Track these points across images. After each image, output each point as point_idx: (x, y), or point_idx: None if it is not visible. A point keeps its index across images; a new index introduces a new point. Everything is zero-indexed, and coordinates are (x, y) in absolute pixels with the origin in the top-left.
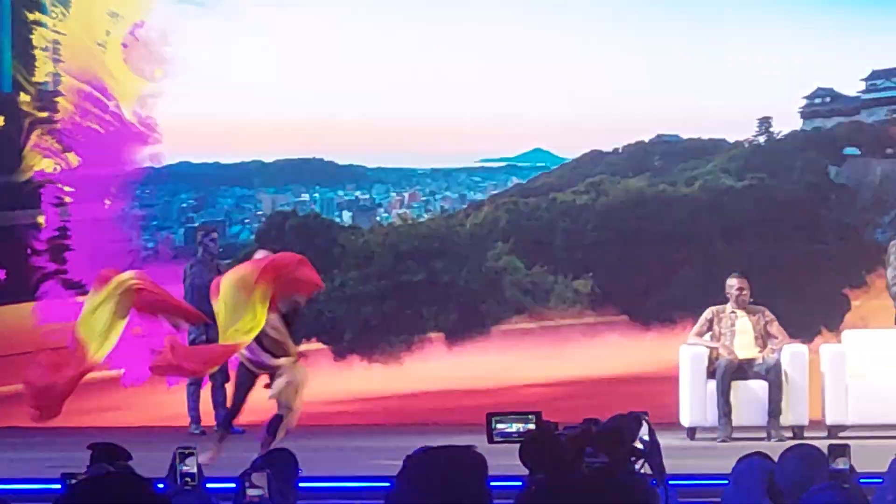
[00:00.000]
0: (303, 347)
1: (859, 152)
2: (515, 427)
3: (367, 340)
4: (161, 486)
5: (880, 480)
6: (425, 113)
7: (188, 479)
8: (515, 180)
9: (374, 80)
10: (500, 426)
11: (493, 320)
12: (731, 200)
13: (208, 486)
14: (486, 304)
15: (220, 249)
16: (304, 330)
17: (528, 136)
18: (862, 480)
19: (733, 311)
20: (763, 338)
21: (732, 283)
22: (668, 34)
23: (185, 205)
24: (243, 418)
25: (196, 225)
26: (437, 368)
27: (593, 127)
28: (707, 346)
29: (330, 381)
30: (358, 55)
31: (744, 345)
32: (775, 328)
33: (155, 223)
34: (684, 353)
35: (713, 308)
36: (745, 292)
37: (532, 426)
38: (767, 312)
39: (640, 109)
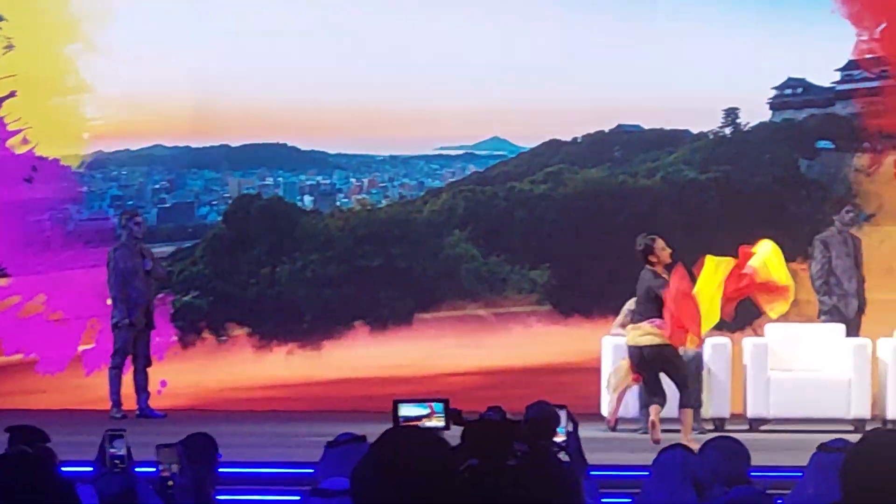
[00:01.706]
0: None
1: (833, 146)
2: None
3: (326, 323)
4: (90, 468)
5: (800, 474)
6: (385, 100)
7: (117, 461)
8: (473, 168)
9: (335, 68)
10: (406, 412)
11: (449, 307)
12: (694, 193)
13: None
14: (441, 290)
15: (195, 229)
16: (256, 312)
17: (486, 125)
18: (782, 474)
19: None
20: None
21: None
22: (631, 20)
23: (157, 186)
24: (165, 402)
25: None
26: (359, 356)
27: (552, 116)
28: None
29: (252, 367)
30: (321, 44)
31: None
32: None
33: (130, 203)
34: (607, 344)
35: (635, 299)
36: None
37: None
38: None
39: (600, 98)
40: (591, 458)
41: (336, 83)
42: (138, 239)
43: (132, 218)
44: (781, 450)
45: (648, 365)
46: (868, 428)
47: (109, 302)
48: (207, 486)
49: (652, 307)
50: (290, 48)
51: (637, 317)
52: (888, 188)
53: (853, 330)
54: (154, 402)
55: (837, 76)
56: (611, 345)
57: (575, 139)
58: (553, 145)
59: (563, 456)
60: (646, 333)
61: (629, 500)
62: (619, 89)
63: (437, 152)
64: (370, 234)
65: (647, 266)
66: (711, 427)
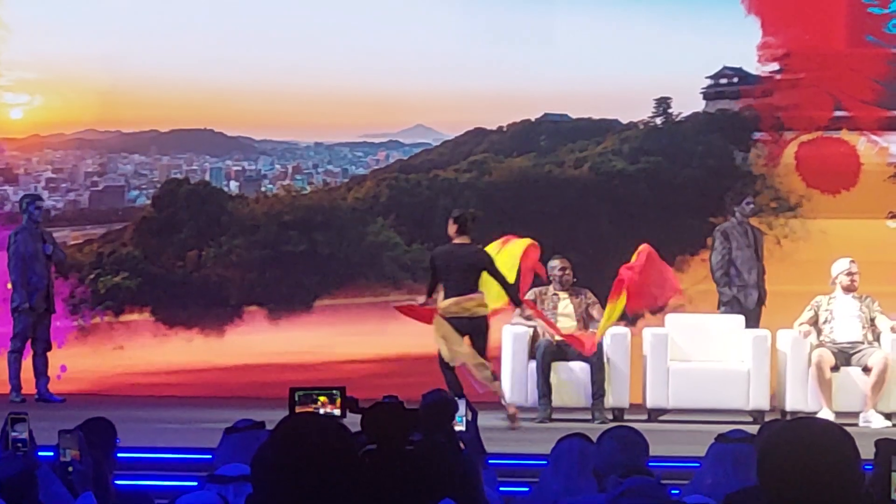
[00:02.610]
0: (128, 318)
1: (770, 137)
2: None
3: (246, 307)
4: None
5: (698, 464)
6: (309, 88)
7: (19, 444)
8: (397, 156)
9: (261, 55)
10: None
11: (370, 294)
12: (623, 184)
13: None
14: (364, 278)
15: (125, 212)
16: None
17: (410, 112)
18: (681, 464)
19: (556, 293)
20: (585, 320)
21: (555, 263)
22: (559, 6)
23: (90, 170)
24: (65, 387)
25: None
26: (258, 342)
27: (477, 104)
28: (529, 326)
29: (151, 351)
30: (246, 31)
31: (565, 326)
32: (597, 310)
33: (64, 186)
34: (507, 333)
35: (535, 289)
36: (567, 272)
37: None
38: (590, 294)
39: (526, 87)
40: (490, 447)
41: (261, 70)
42: (39, 223)
43: (33, 202)
44: (680, 440)
45: (479, 336)
46: (767, 419)
47: (9, 286)
48: (105, 471)
49: (477, 279)
50: (215, 35)
51: (463, 289)
52: (787, 180)
53: (753, 321)
54: (54, 387)
55: (776, 66)
56: (511, 334)
57: (500, 128)
58: (478, 134)
59: (461, 444)
60: (480, 304)
61: (527, 489)
62: (546, 77)
63: (361, 139)
64: (294, 220)
65: (463, 238)
66: (611, 417)
